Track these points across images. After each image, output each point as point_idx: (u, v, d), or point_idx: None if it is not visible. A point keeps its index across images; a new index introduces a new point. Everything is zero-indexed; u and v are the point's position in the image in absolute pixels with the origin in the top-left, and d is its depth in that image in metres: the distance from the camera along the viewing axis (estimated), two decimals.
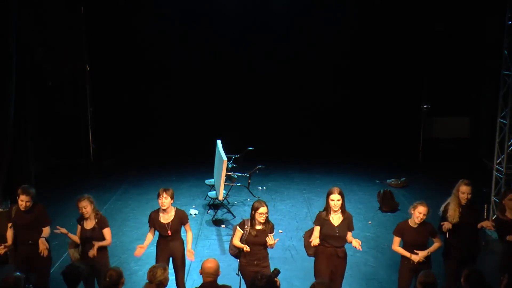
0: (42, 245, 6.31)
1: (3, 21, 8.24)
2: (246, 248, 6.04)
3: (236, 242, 6.18)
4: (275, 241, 6.09)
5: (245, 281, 6.28)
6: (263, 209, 6.08)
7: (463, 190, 6.33)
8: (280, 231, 9.11)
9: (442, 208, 6.45)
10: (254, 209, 6.13)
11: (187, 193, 11.39)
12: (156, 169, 13.00)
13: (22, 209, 6.31)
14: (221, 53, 13.76)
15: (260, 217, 6.09)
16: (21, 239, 6.40)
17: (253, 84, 13.84)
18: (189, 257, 6.47)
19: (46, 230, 6.47)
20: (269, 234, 6.08)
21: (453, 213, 6.31)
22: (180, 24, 13.59)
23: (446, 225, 6.28)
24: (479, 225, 6.38)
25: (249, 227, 6.14)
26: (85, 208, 6.26)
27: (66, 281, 5.14)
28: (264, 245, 6.18)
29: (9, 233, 6.48)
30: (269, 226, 6.18)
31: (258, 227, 6.14)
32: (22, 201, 6.29)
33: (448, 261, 6.49)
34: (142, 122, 14.26)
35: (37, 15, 11.44)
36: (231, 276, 6.55)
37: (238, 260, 6.38)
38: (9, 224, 6.43)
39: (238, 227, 6.22)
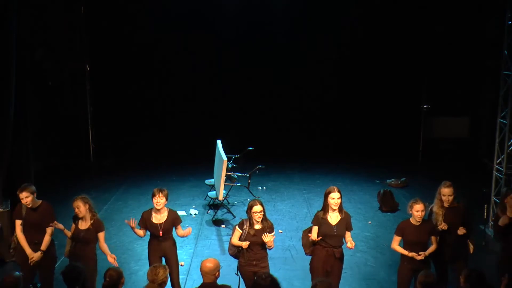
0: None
1: (3, 21, 8.23)
2: (246, 243, 6.04)
3: (235, 241, 6.19)
4: (271, 238, 6.08)
5: (244, 281, 6.28)
6: (256, 208, 6.09)
7: (444, 192, 6.33)
8: (280, 231, 9.11)
9: (428, 211, 6.44)
10: (249, 208, 6.16)
11: (187, 193, 11.39)
12: (156, 169, 13.00)
13: (29, 207, 6.31)
14: (221, 53, 13.77)
15: (255, 216, 6.10)
16: (28, 238, 6.38)
17: (253, 84, 13.85)
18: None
19: (48, 235, 6.41)
20: (265, 233, 6.07)
21: (437, 217, 6.33)
22: (180, 24, 13.59)
23: (442, 226, 6.29)
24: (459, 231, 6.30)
25: (248, 227, 6.15)
26: (77, 208, 6.25)
27: (65, 281, 5.14)
28: (263, 245, 6.19)
29: (19, 233, 6.39)
30: (267, 225, 6.18)
31: (257, 226, 6.15)
32: (22, 198, 6.29)
33: (436, 262, 6.48)
34: (142, 122, 14.27)
35: (37, 15, 11.44)
36: (231, 276, 6.54)
37: (238, 260, 6.38)
38: (19, 222, 6.39)
39: (237, 227, 6.24)
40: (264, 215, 6.18)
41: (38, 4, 11.33)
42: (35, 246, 6.37)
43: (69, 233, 6.43)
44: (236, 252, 6.31)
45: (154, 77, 14.15)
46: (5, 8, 8.24)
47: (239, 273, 6.35)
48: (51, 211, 6.49)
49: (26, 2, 9.40)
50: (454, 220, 6.30)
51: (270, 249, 6.25)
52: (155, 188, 6.46)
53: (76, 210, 6.26)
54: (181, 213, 9.52)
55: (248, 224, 6.17)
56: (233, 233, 6.33)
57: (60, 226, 6.41)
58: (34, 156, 9.57)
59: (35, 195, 6.38)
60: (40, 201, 6.47)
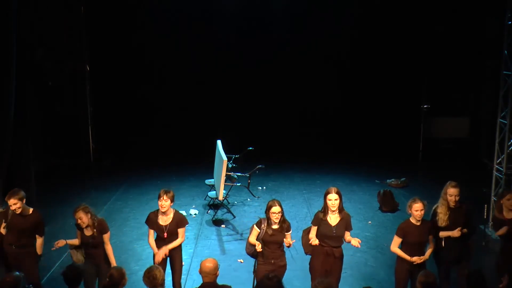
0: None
1: (3, 21, 8.24)
2: (258, 248, 6.04)
3: (253, 239, 6.19)
4: (292, 242, 6.17)
5: (257, 280, 6.26)
6: (275, 209, 6.09)
7: (451, 193, 6.31)
8: None
9: (432, 211, 6.44)
10: (268, 208, 6.16)
11: (187, 193, 11.38)
12: (156, 169, 12.99)
13: (17, 213, 6.28)
14: (221, 53, 13.77)
15: (273, 217, 6.11)
16: (8, 241, 6.37)
17: (253, 84, 13.85)
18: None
19: (39, 243, 6.47)
20: (286, 234, 6.12)
21: (442, 217, 6.31)
22: (180, 24, 13.60)
23: (446, 234, 6.28)
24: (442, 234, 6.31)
25: (266, 226, 6.16)
26: (80, 219, 6.20)
27: (66, 281, 5.14)
28: (280, 244, 6.21)
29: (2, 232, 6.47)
30: (285, 226, 6.20)
31: (275, 226, 6.16)
32: (11, 205, 6.24)
33: (440, 263, 6.48)
34: (142, 122, 14.27)
35: (37, 15, 11.43)
36: (231, 276, 6.55)
37: (255, 259, 6.36)
38: (3, 225, 6.41)
39: (255, 225, 6.24)
40: (283, 215, 6.18)
41: (38, 4, 11.32)
42: (18, 250, 6.36)
43: (77, 241, 6.38)
44: (253, 251, 6.27)
45: (154, 76, 14.15)
46: (5, 8, 8.24)
47: (255, 272, 6.33)
48: (42, 221, 6.48)
49: (26, 2, 9.39)
50: (458, 220, 6.29)
51: (288, 247, 6.28)
52: (162, 190, 6.41)
53: (79, 221, 6.21)
54: (181, 213, 9.51)
55: (266, 224, 6.17)
56: (250, 232, 6.32)
57: (62, 243, 6.33)
58: (34, 156, 9.57)
59: (24, 201, 6.33)
60: (31, 209, 6.44)
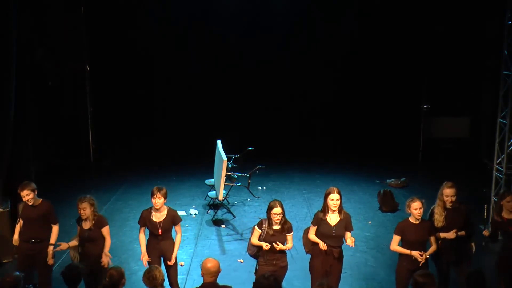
0: (50, 255, 6.49)
1: (3, 21, 8.23)
2: (266, 246, 6.03)
3: (255, 240, 6.18)
4: (286, 247, 6.12)
5: (255, 280, 6.25)
6: (276, 210, 6.09)
7: (447, 193, 6.27)
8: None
9: (429, 211, 6.43)
10: (269, 208, 6.15)
11: (187, 193, 11.39)
12: (156, 169, 13.00)
13: (30, 204, 6.38)
14: (221, 53, 13.77)
15: (274, 217, 6.10)
16: (24, 235, 6.45)
17: (253, 84, 13.85)
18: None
19: (55, 230, 6.56)
20: (277, 242, 6.06)
21: (439, 217, 6.29)
22: (180, 25, 13.60)
23: (442, 235, 6.26)
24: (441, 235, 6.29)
25: (266, 227, 6.15)
26: (83, 210, 6.27)
27: (66, 281, 5.14)
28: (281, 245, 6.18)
29: (17, 229, 6.54)
30: (286, 227, 6.19)
31: (276, 227, 6.15)
32: (23, 196, 6.35)
33: (438, 264, 6.47)
34: (142, 122, 14.27)
35: (37, 15, 11.44)
36: (231, 276, 6.53)
37: (256, 260, 6.35)
38: (20, 223, 6.48)
39: (256, 226, 6.23)
40: (284, 216, 6.17)
41: (38, 4, 11.32)
42: (32, 245, 6.41)
43: (73, 243, 6.41)
44: (255, 252, 6.28)
45: (154, 76, 14.15)
46: (5, 8, 8.24)
47: (256, 273, 6.31)
48: (51, 209, 6.56)
49: (26, 2, 9.39)
50: (456, 221, 6.27)
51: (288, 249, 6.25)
52: (154, 187, 6.43)
53: (82, 211, 6.27)
54: (181, 213, 9.52)
55: (267, 224, 6.17)
56: (252, 233, 6.32)
57: (64, 246, 6.39)
58: (34, 156, 9.56)
59: (36, 192, 6.46)
60: (40, 199, 6.55)
